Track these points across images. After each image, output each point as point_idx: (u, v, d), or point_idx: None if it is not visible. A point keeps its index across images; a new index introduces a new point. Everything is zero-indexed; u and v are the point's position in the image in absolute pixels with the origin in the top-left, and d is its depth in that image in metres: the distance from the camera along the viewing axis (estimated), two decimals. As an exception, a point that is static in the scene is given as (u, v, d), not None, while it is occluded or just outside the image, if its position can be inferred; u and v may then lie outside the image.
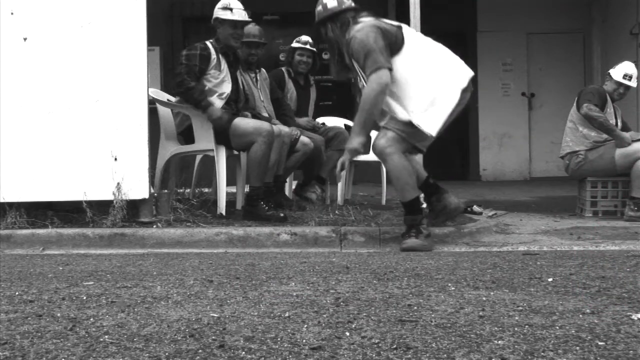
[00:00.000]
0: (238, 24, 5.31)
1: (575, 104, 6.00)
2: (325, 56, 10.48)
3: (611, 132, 5.75)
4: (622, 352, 1.99)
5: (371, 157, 6.43)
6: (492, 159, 10.96)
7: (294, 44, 6.35)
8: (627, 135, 5.76)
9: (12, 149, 4.80)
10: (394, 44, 4.32)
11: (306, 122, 6.13)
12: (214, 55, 5.23)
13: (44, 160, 4.80)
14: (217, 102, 5.19)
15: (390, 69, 4.22)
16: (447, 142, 12.01)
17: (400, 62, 4.31)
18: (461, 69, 4.44)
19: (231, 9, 5.29)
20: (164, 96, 5.66)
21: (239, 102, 5.43)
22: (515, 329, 2.25)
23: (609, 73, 6.05)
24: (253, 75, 5.89)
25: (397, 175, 4.34)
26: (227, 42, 5.30)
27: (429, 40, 4.51)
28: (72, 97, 4.83)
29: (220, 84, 5.24)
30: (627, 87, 5.96)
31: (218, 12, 5.33)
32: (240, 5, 5.36)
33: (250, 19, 5.43)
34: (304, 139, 5.64)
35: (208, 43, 5.29)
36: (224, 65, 5.29)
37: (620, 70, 5.97)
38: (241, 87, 5.53)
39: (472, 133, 11.08)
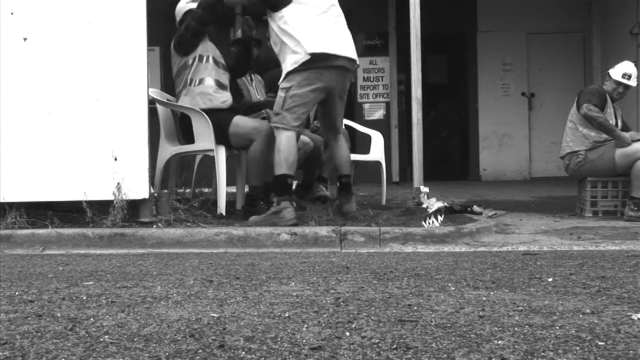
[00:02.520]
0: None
1: (575, 104, 5.99)
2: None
3: (611, 132, 5.74)
4: (622, 352, 1.99)
5: (371, 157, 6.46)
6: (492, 159, 10.95)
7: None
8: (627, 135, 5.76)
9: (12, 149, 4.80)
10: None
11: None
12: None
13: (44, 160, 4.80)
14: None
15: None
16: (447, 142, 12.10)
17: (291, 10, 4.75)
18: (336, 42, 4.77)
19: None
20: (164, 96, 5.66)
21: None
22: (515, 329, 2.25)
23: (609, 73, 6.04)
24: (247, 75, 5.93)
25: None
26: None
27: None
28: (72, 97, 4.83)
29: (206, 71, 5.31)
30: (627, 87, 5.95)
31: (189, 5, 5.36)
32: None
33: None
34: (304, 138, 5.64)
35: None
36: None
37: (619, 70, 5.96)
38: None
39: (472, 133, 11.07)
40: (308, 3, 4.79)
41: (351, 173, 5.16)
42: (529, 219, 5.77)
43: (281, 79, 4.84)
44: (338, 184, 5.20)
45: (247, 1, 5.11)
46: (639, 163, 5.57)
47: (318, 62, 4.70)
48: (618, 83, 5.92)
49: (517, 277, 3.20)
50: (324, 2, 4.87)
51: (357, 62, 5.02)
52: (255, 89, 5.96)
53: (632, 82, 5.94)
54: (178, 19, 5.48)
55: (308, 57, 4.66)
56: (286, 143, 4.75)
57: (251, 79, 5.97)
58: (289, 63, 4.74)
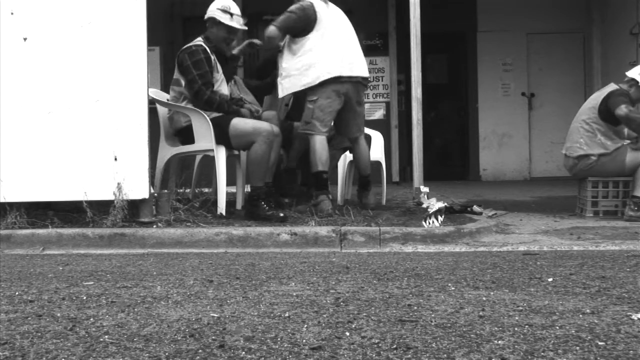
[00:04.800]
0: (233, 31, 5.33)
1: (597, 107, 5.82)
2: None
3: None
4: (622, 352, 1.99)
5: (371, 157, 6.45)
6: (492, 159, 10.95)
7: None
8: None
9: (12, 149, 4.80)
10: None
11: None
12: (212, 56, 5.25)
13: (44, 160, 4.80)
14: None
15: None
16: (447, 142, 12.10)
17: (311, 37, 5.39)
18: (340, 62, 5.39)
19: (231, 14, 5.30)
20: (164, 96, 5.66)
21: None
22: (515, 329, 2.25)
23: (633, 78, 5.77)
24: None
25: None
26: (219, 44, 5.33)
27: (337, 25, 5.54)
28: (72, 97, 4.83)
29: (219, 86, 5.27)
30: None
31: (216, 13, 5.30)
32: (239, 12, 5.37)
33: (246, 27, 5.45)
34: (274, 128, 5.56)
35: (202, 44, 5.26)
36: (218, 65, 5.32)
37: None
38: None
39: (472, 133, 11.07)
40: (327, 28, 5.40)
41: (370, 172, 5.76)
42: (529, 219, 5.77)
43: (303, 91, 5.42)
44: (359, 183, 5.79)
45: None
46: (645, 164, 5.56)
47: (338, 79, 5.39)
48: None
49: (517, 277, 3.20)
50: (341, 25, 5.55)
51: (369, 79, 5.76)
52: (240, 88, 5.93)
53: None
54: (224, 22, 5.28)
55: (330, 76, 5.33)
56: (318, 145, 5.32)
57: (234, 82, 5.93)
58: (311, 78, 5.35)
